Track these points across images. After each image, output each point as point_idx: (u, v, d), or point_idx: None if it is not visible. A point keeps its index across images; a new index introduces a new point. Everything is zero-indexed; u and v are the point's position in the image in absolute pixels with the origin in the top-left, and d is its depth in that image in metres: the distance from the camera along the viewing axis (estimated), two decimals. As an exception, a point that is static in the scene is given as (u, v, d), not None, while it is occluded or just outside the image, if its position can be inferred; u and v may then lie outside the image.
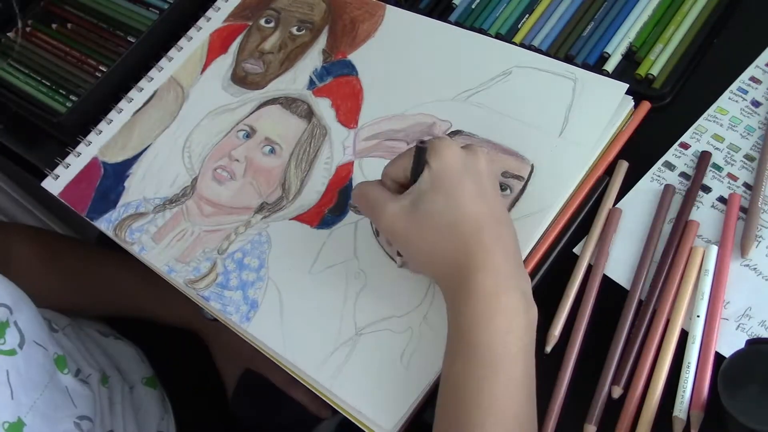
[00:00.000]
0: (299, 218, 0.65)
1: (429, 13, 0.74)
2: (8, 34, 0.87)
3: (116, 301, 0.84)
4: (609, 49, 0.67)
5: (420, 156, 0.53)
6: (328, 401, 0.57)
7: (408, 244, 0.53)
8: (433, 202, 0.52)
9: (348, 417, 0.56)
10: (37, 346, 0.63)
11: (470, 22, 0.73)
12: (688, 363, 0.52)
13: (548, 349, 0.55)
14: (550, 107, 0.63)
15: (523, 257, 0.58)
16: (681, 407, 0.50)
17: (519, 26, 0.71)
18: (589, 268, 0.58)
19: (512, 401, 0.48)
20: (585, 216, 0.60)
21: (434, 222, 0.51)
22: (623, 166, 0.61)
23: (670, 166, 0.61)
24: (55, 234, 1.03)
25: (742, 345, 0.49)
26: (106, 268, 0.86)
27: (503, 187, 0.61)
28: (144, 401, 0.78)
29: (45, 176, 0.74)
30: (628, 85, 0.62)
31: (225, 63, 0.76)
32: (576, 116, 0.62)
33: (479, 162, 0.54)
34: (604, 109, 0.62)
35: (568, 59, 0.68)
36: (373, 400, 0.55)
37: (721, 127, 0.61)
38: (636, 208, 0.60)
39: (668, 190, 0.59)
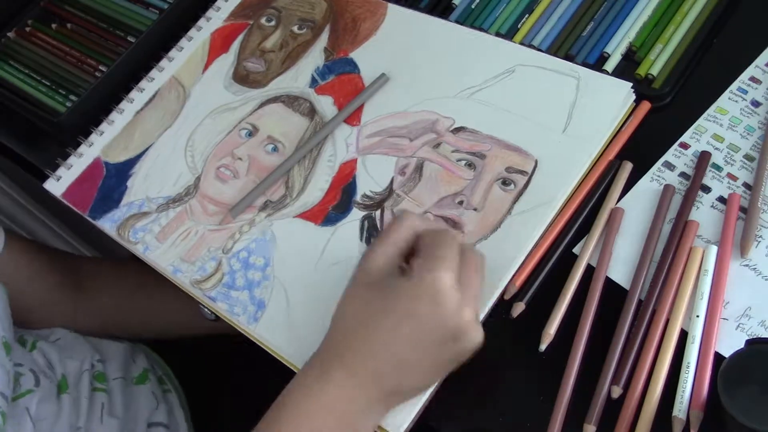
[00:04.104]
0: (303, 216, 0.65)
1: (429, 12, 0.74)
2: (8, 34, 0.87)
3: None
4: (609, 49, 0.67)
5: None
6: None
7: (342, 300, 0.54)
8: (375, 303, 0.52)
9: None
10: None
11: (470, 21, 0.73)
12: (688, 363, 0.52)
13: (543, 347, 0.55)
14: (554, 105, 0.63)
15: (524, 256, 0.59)
16: (680, 407, 0.50)
17: (519, 26, 0.71)
18: (588, 268, 0.58)
19: None
20: (585, 216, 0.60)
21: (360, 312, 0.53)
22: (627, 167, 0.61)
23: (669, 166, 0.61)
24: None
25: (741, 345, 0.49)
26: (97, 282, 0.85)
27: (507, 182, 0.61)
28: (131, 398, 0.78)
29: (45, 176, 0.74)
30: (631, 84, 0.62)
31: (226, 62, 0.76)
32: (579, 114, 0.62)
33: (464, 312, 0.50)
34: (608, 107, 0.62)
35: (568, 59, 0.68)
36: None
37: (721, 127, 0.62)
38: (636, 208, 0.60)
39: (668, 190, 0.60)
